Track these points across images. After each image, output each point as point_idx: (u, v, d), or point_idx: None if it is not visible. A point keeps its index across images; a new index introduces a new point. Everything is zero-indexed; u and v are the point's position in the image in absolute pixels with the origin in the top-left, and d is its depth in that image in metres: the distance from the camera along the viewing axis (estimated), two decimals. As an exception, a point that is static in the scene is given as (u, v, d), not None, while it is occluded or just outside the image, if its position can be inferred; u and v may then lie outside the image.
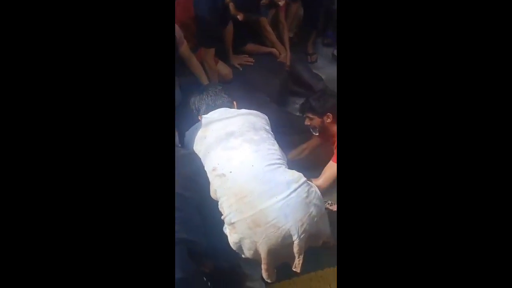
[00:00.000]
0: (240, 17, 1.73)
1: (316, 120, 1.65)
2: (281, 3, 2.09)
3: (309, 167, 1.68)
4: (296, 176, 1.19)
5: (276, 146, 1.29)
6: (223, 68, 2.02)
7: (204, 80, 1.82)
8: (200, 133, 1.31)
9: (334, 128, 1.59)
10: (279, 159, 1.24)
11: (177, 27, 1.60)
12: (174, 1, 1.48)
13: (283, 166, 1.23)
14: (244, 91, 1.89)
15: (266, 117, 1.42)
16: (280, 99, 2.27)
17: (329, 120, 1.61)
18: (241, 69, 2.15)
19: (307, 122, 1.70)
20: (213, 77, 1.91)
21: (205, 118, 1.35)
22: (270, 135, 1.33)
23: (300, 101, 2.41)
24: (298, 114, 2.33)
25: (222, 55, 2.06)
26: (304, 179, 1.20)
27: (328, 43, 2.80)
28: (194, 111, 1.45)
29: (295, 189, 1.15)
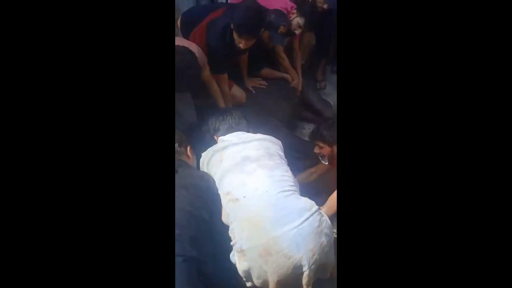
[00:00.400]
0: (242, 44, 1.75)
1: (326, 149, 1.65)
2: (297, 32, 2.17)
3: (315, 192, 1.68)
4: (309, 204, 1.20)
5: (290, 173, 1.31)
6: (237, 92, 2.07)
7: (221, 104, 1.87)
8: (217, 156, 1.34)
9: None
10: (292, 185, 1.25)
11: (201, 51, 1.65)
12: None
13: (296, 193, 1.25)
14: (256, 114, 1.94)
15: (280, 143, 1.44)
16: (291, 124, 2.32)
17: None
18: (254, 92, 2.20)
19: (316, 150, 1.70)
20: (227, 101, 1.95)
21: (222, 140, 1.38)
22: (283, 161, 1.35)
23: (309, 126, 2.47)
24: (307, 139, 2.38)
25: (237, 79, 2.12)
26: (316, 207, 1.21)
27: (336, 71, 2.87)
28: (212, 131, 1.48)
29: (307, 218, 1.15)
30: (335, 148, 1.63)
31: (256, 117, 1.85)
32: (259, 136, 1.40)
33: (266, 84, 2.28)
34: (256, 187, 1.20)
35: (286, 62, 2.34)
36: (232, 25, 1.71)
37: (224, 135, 1.41)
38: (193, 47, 1.60)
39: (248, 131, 1.44)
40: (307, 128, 2.47)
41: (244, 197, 1.18)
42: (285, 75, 2.38)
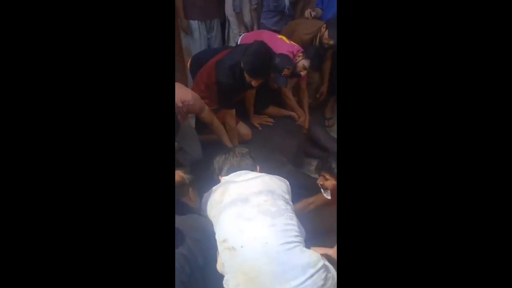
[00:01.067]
0: (254, 83, 1.84)
1: (331, 182, 1.53)
2: (303, 73, 2.24)
3: (311, 229, 1.53)
4: (314, 259, 1.08)
5: (294, 220, 1.18)
6: (243, 128, 2.12)
7: (227, 142, 1.91)
8: (216, 197, 1.25)
9: None
10: (296, 236, 1.13)
11: (196, 96, 1.75)
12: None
13: (301, 245, 1.12)
14: (262, 151, 1.96)
15: (287, 183, 1.34)
16: (297, 160, 2.32)
17: None
18: (260, 129, 2.25)
19: (320, 181, 1.59)
20: (233, 137, 2.00)
21: (224, 179, 1.31)
22: (289, 207, 1.22)
23: (315, 162, 2.45)
24: (313, 175, 2.37)
25: (243, 116, 2.18)
26: (322, 262, 1.09)
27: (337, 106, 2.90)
28: (217, 170, 1.43)
29: (312, 275, 1.04)
30: None
31: (262, 153, 1.87)
32: (264, 175, 1.31)
33: (273, 121, 2.32)
34: (255, 236, 1.09)
35: (292, 101, 2.40)
36: (242, 66, 1.80)
37: (227, 174, 1.34)
38: (188, 95, 1.69)
39: (253, 169, 1.38)
40: (313, 165, 2.46)
41: (242, 246, 1.08)
42: (291, 113, 2.43)
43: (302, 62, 2.20)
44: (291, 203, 1.27)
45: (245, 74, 1.81)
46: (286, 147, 2.23)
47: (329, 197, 1.60)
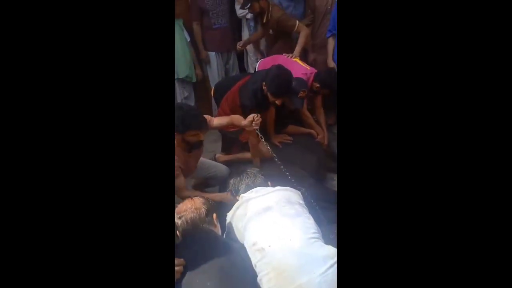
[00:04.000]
0: (278, 102, 2.03)
1: None
2: (319, 92, 2.39)
3: None
4: (332, 252, 1.22)
5: (312, 220, 1.36)
6: (262, 147, 2.23)
7: (255, 159, 2.08)
8: (240, 211, 1.42)
9: None
10: (315, 233, 1.30)
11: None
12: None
13: (320, 241, 1.29)
14: (283, 165, 2.04)
15: (299, 192, 1.52)
16: (318, 174, 2.38)
17: None
18: (280, 147, 2.35)
19: None
20: (256, 155, 2.13)
21: (244, 197, 1.47)
22: (304, 209, 1.41)
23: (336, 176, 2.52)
24: (334, 189, 2.41)
25: (263, 135, 2.30)
26: None
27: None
28: (233, 192, 1.61)
29: (332, 265, 1.17)
30: None
31: (282, 169, 1.95)
32: (278, 188, 1.49)
33: (292, 139, 2.43)
34: (280, 236, 1.25)
35: (310, 119, 2.53)
36: (266, 88, 2.00)
37: (245, 193, 1.51)
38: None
39: (266, 186, 1.54)
40: (335, 179, 2.52)
41: (269, 246, 1.24)
42: (311, 131, 2.54)
43: (314, 84, 2.35)
44: (306, 207, 1.44)
45: (269, 95, 2.00)
46: (306, 162, 2.31)
47: None
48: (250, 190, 1.50)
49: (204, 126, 1.75)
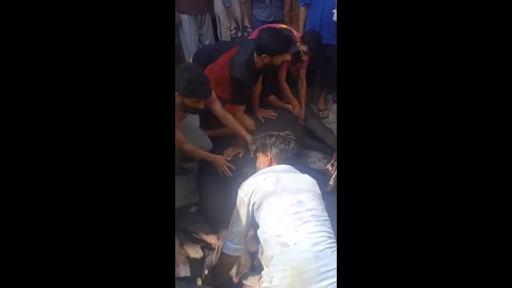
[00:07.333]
0: (266, 60, 1.88)
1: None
2: (304, 58, 2.33)
3: None
4: None
5: (329, 220, 1.31)
6: (247, 120, 2.16)
7: (244, 134, 1.94)
8: (263, 184, 1.30)
9: None
10: (332, 237, 1.26)
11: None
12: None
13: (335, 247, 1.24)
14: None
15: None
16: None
17: None
18: (263, 122, 2.30)
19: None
20: (238, 128, 2.04)
21: (266, 169, 1.41)
22: (327, 214, 1.34)
23: (313, 153, 2.55)
24: (312, 166, 2.45)
25: (247, 108, 2.23)
26: None
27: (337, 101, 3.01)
28: (259, 147, 1.52)
29: None
30: None
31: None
32: (304, 175, 1.43)
33: (276, 115, 2.38)
34: (308, 237, 1.20)
35: (287, 91, 2.46)
36: (260, 49, 1.85)
37: (274, 155, 1.45)
38: None
39: (298, 156, 1.44)
40: (312, 156, 2.55)
41: (295, 244, 1.18)
42: (287, 105, 2.50)
43: (301, 48, 2.29)
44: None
45: (271, 58, 1.85)
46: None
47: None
48: (274, 166, 1.42)
49: (208, 96, 1.61)
